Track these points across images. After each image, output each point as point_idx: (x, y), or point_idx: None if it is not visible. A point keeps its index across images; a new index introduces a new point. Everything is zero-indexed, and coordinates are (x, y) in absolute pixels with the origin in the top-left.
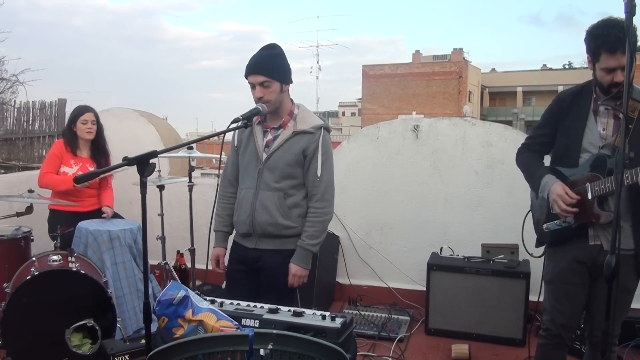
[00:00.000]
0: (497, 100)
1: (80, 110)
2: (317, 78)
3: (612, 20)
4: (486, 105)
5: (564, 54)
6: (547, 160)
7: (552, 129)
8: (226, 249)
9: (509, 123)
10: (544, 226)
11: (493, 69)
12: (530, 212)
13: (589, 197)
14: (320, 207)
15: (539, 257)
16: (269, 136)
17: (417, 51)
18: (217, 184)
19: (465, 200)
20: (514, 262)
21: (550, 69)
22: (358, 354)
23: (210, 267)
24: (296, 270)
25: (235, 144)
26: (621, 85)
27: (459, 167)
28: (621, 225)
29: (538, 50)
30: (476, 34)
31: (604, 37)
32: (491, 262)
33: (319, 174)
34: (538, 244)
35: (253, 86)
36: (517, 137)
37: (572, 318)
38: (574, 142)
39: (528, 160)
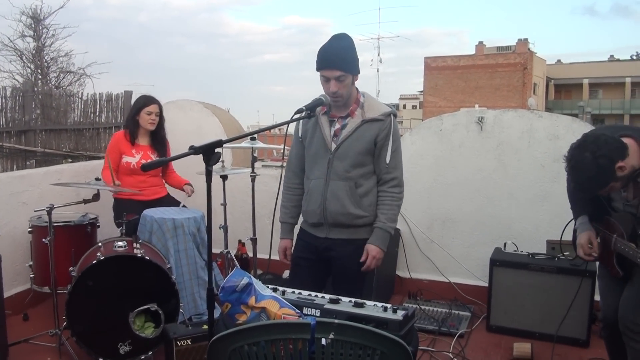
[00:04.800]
0: (563, 93)
1: (146, 102)
2: (378, 71)
3: (571, 166)
4: (551, 98)
5: (630, 44)
6: None
7: None
8: (292, 240)
9: (575, 116)
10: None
11: (559, 61)
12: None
13: (612, 247)
14: (397, 192)
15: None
16: (337, 125)
17: (481, 42)
18: (280, 175)
19: (531, 195)
20: (580, 260)
21: (618, 60)
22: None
23: (272, 257)
24: (376, 252)
25: (300, 135)
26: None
27: (524, 160)
28: None
29: (602, 41)
30: (538, 25)
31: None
32: (556, 259)
33: (387, 161)
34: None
35: (327, 80)
36: (585, 130)
37: (616, 311)
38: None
39: (573, 192)
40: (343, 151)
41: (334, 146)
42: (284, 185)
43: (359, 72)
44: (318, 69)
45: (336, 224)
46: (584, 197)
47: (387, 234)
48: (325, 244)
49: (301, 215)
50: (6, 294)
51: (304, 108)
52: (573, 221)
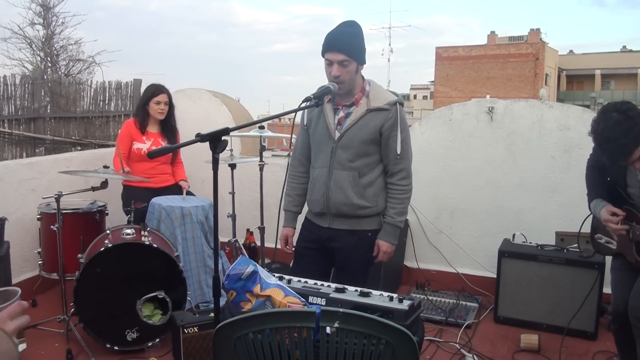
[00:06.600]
0: (575, 84)
1: (155, 92)
2: (389, 60)
3: (603, 133)
4: (563, 88)
5: None
6: None
7: None
8: (295, 228)
9: (587, 107)
10: (596, 235)
11: (571, 51)
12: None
13: (631, 236)
14: (406, 184)
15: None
16: (341, 114)
17: (493, 32)
18: (288, 164)
19: (540, 186)
20: (588, 252)
21: (630, 51)
22: (424, 338)
23: (279, 246)
24: (386, 247)
25: (305, 123)
26: None
27: (534, 151)
28: None
29: (614, 32)
30: (551, 15)
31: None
32: (565, 250)
33: (399, 151)
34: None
35: (330, 63)
36: None
37: (626, 303)
38: (618, 177)
39: (591, 177)
40: (346, 140)
41: (337, 135)
42: (289, 173)
43: (364, 62)
44: (323, 53)
45: (339, 214)
46: (600, 180)
47: (397, 229)
48: (328, 234)
49: (306, 204)
50: (15, 280)
51: (312, 97)
52: (587, 213)
